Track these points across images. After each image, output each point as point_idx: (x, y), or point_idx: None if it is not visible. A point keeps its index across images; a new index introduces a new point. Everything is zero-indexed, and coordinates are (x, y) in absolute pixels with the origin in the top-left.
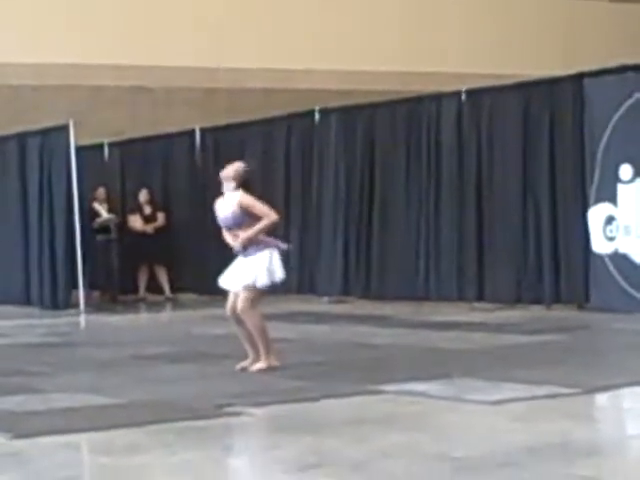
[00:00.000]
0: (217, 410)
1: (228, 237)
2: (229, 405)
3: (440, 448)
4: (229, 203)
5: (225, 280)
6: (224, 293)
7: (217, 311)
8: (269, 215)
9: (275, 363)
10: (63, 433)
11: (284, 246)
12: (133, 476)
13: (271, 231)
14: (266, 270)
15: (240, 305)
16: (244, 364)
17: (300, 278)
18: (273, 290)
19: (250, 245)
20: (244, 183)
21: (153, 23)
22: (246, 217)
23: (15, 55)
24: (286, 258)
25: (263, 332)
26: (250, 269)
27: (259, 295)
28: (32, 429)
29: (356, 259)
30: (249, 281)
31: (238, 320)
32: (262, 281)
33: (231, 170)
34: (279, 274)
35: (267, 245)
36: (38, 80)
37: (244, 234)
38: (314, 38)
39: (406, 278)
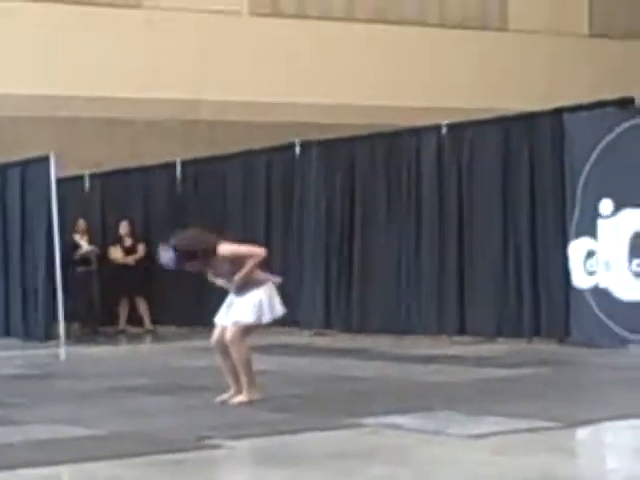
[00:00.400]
0: (197, 442)
1: (219, 280)
2: (209, 437)
3: None
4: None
5: (219, 316)
6: (204, 325)
7: (197, 343)
8: (254, 253)
9: (256, 397)
10: (42, 465)
11: (277, 280)
12: None
13: (263, 266)
14: (267, 307)
15: (229, 335)
16: (224, 397)
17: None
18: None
19: (245, 284)
20: (210, 247)
21: (134, 55)
22: (235, 262)
23: None
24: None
25: (248, 365)
26: (245, 306)
27: (250, 329)
28: (11, 461)
29: (337, 292)
30: (243, 318)
31: (223, 351)
32: (253, 318)
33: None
34: (278, 309)
35: (260, 283)
36: (17, 111)
37: (237, 277)
38: (295, 71)
39: (387, 311)
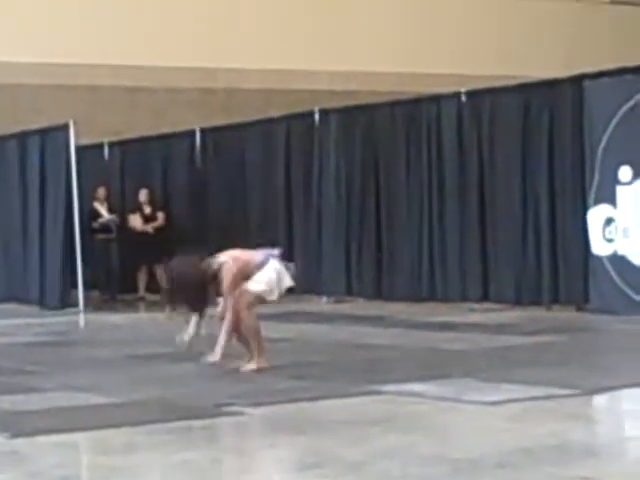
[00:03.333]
0: (215, 410)
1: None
2: (227, 405)
3: (437, 449)
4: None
5: None
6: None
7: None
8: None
9: (265, 365)
10: (61, 432)
11: (276, 252)
12: (130, 476)
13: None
14: (275, 284)
15: (237, 304)
16: (238, 364)
17: (301, 279)
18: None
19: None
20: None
21: (153, 23)
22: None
23: (15, 55)
24: (289, 259)
25: (257, 334)
26: (255, 279)
27: (256, 300)
28: (30, 428)
29: (358, 260)
30: (251, 287)
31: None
32: (261, 288)
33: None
34: (286, 282)
35: (262, 265)
36: (38, 80)
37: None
38: (314, 39)
39: (409, 279)
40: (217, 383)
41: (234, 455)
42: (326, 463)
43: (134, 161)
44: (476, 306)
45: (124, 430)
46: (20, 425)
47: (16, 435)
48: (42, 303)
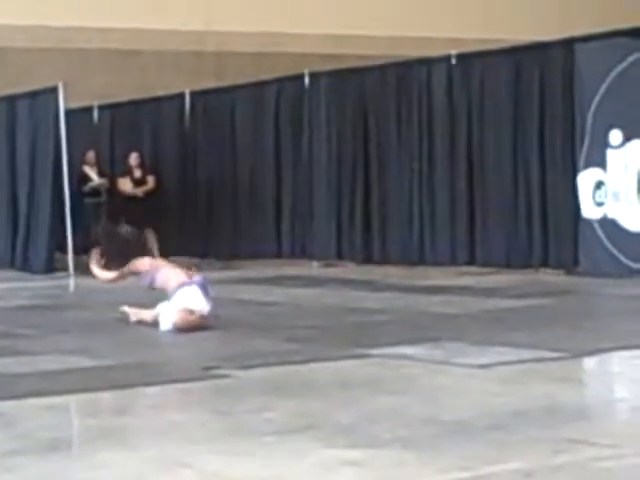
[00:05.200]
0: (204, 372)
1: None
2: (216, 368)
3: (427, 411)
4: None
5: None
6: (213, 256)
7: (205, 274)
8: None
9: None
10: (50, 395)
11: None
12: (120, 438)
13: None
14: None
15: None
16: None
17: (292, 243)
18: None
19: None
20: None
21: None
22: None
23: (3, 17)
24: (279, 223)
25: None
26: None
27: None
28: (19, 391)
29: (349, 223)
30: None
31: None
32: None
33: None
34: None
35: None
36: (26, 43)
37: None
38: (304, 1)
39: (399, 243)
40: (205, 346)
41: (223, 417)
42: (316, 425)
43: (124, 124)
44: (466, 269)
45: (113, 393)
46: (9, 388)
47: (4, 398)
48: (28, 268)
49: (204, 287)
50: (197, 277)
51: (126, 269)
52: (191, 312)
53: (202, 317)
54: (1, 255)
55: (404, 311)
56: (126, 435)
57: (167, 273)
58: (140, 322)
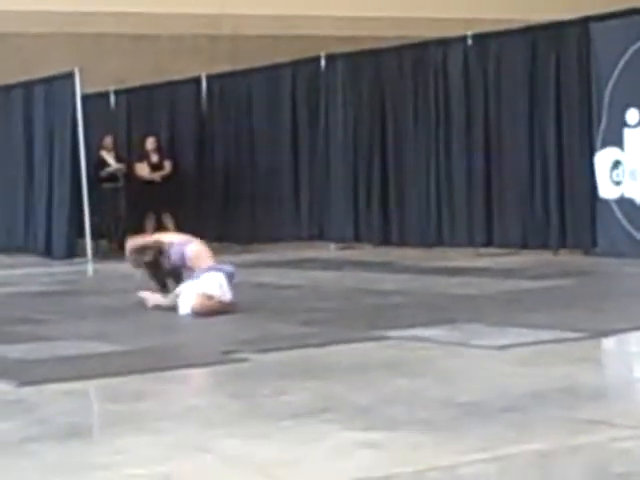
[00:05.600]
0: (223, 356)
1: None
2: (235, 352)
3: (445, 393)
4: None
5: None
6: (230, 239)
7: (224, 258)
8: None
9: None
10: (69, 380)
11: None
12: (139, 422)
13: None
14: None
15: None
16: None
17: (310, 225)
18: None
19: None
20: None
21: None
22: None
23: (18, 3)
24: (296, 207)
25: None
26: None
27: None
28: (38, 376)
29: (366, 206)
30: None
31: None
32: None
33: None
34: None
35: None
36: (41, 28)
37: None
38: None
39: (417, 224)
40: (224, 330)
41: (242, 401)
42: (334, 408)
43: (140, 109)
44: (483, 251)
45: (132, 377)
46: (28, 374)
47: (24, 384)
48: (49, 253)
49: (231, 277)
50: (228, 266)
51: (152, 241)
52: (210, 297)
53: (220, 303)
54: (22, 241)
55: (422, 293)
56: (145, 420)
57: (198, 250)
58: (158, 307)
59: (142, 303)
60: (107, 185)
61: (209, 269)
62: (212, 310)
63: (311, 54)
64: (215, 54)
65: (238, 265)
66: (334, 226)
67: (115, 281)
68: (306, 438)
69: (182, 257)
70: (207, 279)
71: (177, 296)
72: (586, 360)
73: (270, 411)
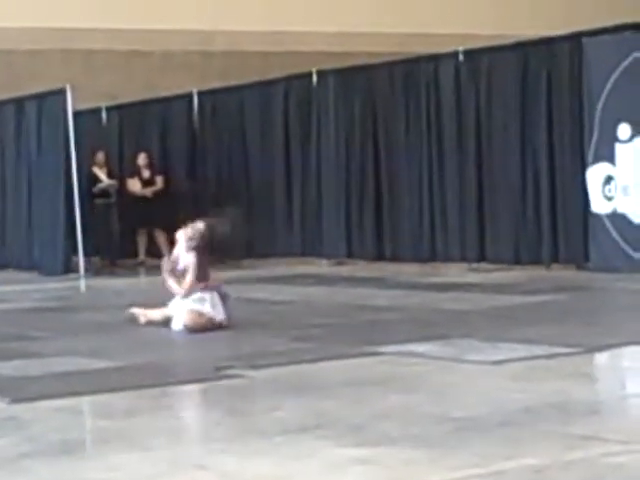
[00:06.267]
0: (216, 373)
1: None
2: (228, 368)
3: (439, 409)
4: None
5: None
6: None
7: (215, 274)
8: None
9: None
10: (61, 397)
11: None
12: (132, 439)
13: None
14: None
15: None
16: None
17: (302, 241)
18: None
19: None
20: (196, 246)
21: None
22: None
23: (10, 20)
24: (289, 222)
25: None
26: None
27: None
28: (30, 393)
29: (358, 222)
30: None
31: None
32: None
33: (191, 231)
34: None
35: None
36: (33, 45)
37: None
38: (311, 0)
39: (408, 240)
40: (217, 346)
41: (235, 417)
42: (328, 424)
43: (132, 125)
44: (476, 266)
45: (125, 394)
46: (20, 390)
47: (16, 400)
48: (43, 270)
49: (225, 298)
50: (223, 287)
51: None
52: (200, 314)
53: (212, 321)
54: (17, 258)
55: (415, 308)
56: (139, 436)
57: (204, 264)
58: (150, 322)
59: (134, 320)
60: (99, 201)
61: (206, 288)
62: (203, 327)
63: (303, 70)
64: (207, 70)
65: (231, 281)
66: (327, 242)
67: (108, 297)
68: (300, 454)
69: (184, 271)
70: (202, 297)
71: (170, 312)
72: (579, 375)
73: (264, 427)
